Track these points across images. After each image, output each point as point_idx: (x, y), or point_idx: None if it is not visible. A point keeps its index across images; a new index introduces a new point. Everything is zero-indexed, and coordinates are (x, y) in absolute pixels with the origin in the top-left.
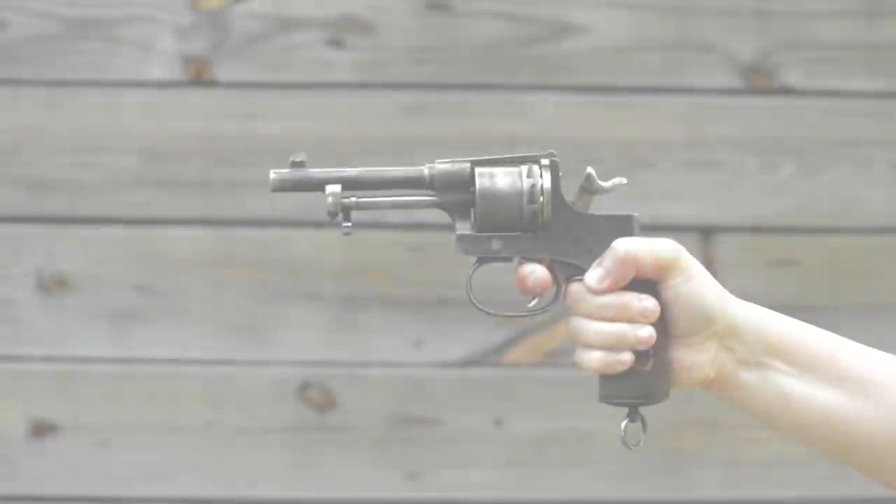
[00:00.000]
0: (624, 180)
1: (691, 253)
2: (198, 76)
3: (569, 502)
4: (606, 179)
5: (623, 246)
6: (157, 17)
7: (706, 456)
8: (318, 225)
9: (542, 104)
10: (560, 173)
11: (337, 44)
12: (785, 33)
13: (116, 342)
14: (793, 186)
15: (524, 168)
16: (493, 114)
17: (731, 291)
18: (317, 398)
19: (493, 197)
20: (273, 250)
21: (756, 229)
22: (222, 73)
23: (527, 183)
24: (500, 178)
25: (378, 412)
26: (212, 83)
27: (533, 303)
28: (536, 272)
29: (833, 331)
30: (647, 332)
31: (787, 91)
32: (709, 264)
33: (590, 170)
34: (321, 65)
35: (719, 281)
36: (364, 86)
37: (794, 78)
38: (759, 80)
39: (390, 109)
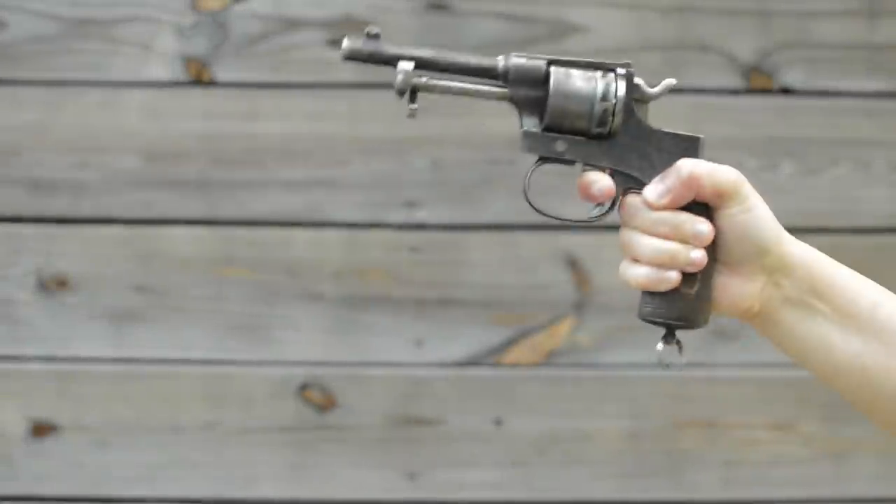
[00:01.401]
0: (673, 81)
1: None
2: (198, 76)
3: (569, 502)
4: (675, 82)
5: (688, 166)
6: (157, 17)
7: (706, 456)
8: (318, 225)
9: None
10: (636, 83)
11: (337, 44)
12: (785, 33)
13: (116, 342)
14: (793, 186)
15: (599, 73)
16: (493, 114)
17: None
18: (317, 398)
19: (566, 95)
20: (273, 250)
21: None
22: (222, 73)
23: (601, 86)
24: (575, 78)
25: (378, 412)
26: (212, 83)
27: (595, 210)
28: (601, 181)
29: None
30: (698, 255)
31: (787, 91)
32: None
33: (636, 80)
34: (321, 65)
35: None
36: (364, 86)
37: (793, 78)
38: (758, 80)
39: (390, 109)
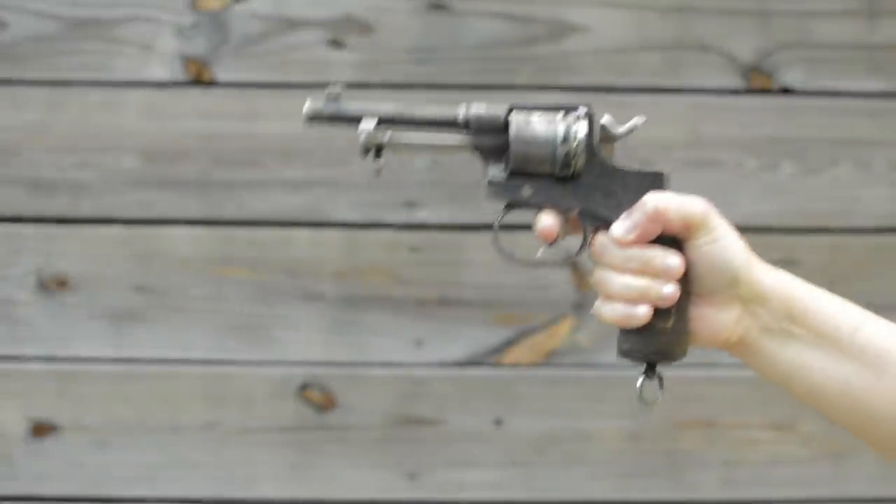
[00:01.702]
0: (640, 120)
1: None
2: (198, 76)
3: (569, 502)
4: (644, 120)
5: (653, 200)
6: (157, 17)
7: (706, 456)
8: (318, 225)
9: None
10: (596, 124)
11: (337, 44)
12: (785, 33)
13: (116, 342)
14: (793, 186)
15: (560, 116)
16: None
17: None
18: (317, 398)
19: (528, 139)
20: (273, 250)
21: (756, 229)
22: (222, 73)
23: (561, 130)
24: (535, 123)
25: (378, 412)
26: (212, 83)
27: (540, 251)
28: (544, 220)
29: None
30: (670, 289)
31: (787, 91)
32: None
33: (604, 120)
34: (321, 65)
35: None
36: (364, 86)
37: (793, 78)
38: (758, 80)
39: None
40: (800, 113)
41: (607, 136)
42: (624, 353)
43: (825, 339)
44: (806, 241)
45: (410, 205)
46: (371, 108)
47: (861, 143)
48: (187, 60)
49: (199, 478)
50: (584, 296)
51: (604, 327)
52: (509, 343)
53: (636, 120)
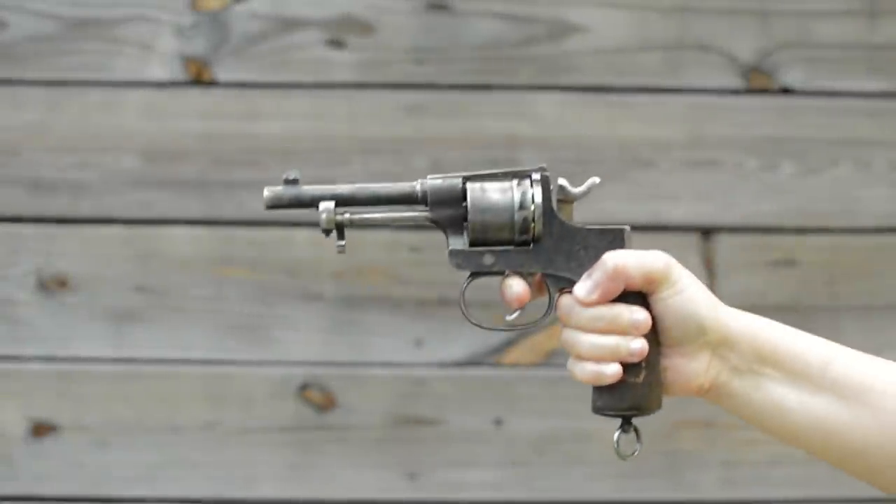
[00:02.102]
0: (597, 180)
1: (691, 253)
2: (198, 76)
3: (569, 502)
4: (606, 184)
5: (612, 259)
6: (157, 17)
7: (706, 456)
8: (318, 225)
9: (542, 104)
10: (551, 187)
11: (337, 44)
12: (785, 33)
13: (116, 342)
14: (793, 186)
15: (515, 182)
16: (493, 114)
17: (731, 292)
18: (317, 398)
19: (485, 209)
20: (273, 250)
21: (756, 229)
22: (222, 73)
23: (517, 196)
24: (491, 192)
25: (378, 412)
26: (212, 83)
27: (513, 316)
28: (513, 287)
29: (833, 331)
30: (638, 345)
31: (787, 91)
32: (709, 264)
33: (560, 182)
34: (321, 65)
35: (720, 281)
36: (364, 86)
37: (793, 78)
38: (758, 80)
39: (390, 109)
40: (800, 113)
41: (566, 197)
42: (598, 410)
43: (796, 376)
44: (806, 241)
45: None
46: (328, 191)
47: (861, 143)
48: (187, 60)
49: (199, 478)
50: None
51: None
52: (509, 343)
53: (592, 181)
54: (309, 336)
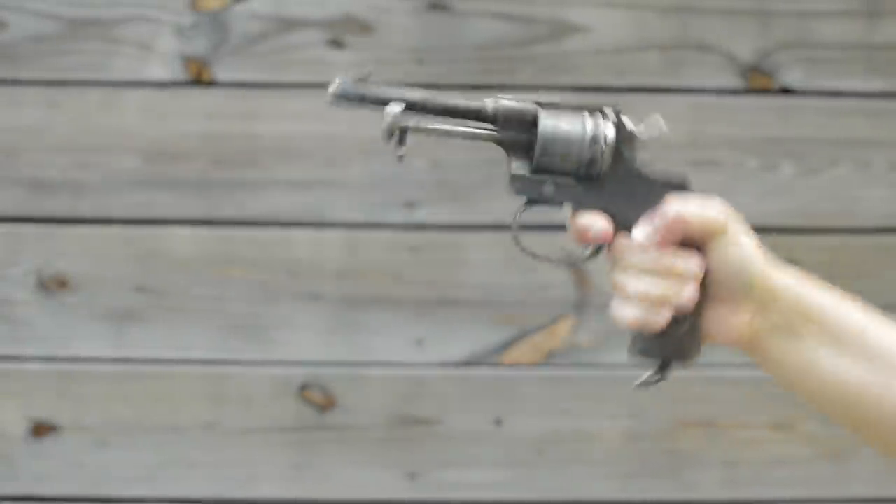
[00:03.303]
0: (662, 121)
1: None
2: (198, 76)
3: (569, 502)
4: (662, 121)
5: (674, 206)
6: (157, 17)
7: (706, 456)
8: (318, 225)
9: None
10: (625, 125)
11: (337, 44)
12: (785, 33)
13: (116, 342)
14: (793, 186)
15: (588, 115)
16: None
17: None
18: (317, 398)
19: (555, 138)
20: (273, 250)
21: (756, 229)
22: (222, 73)
23: (590, 129)
24: (564, 122)
25: (378, 412)
26: (212, 83)
27: (588, 252)
28: (597, 224)
29: None
30: (689, 293)
31: (787, 91)
32: None
33: (628, 122)
34: (321, 65)
35: None
36: None
37: (793, 78)
38: (758, 80)
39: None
40: (800, 113)
41: (630, 139)
42: (639, 353)
43: (834, 337)
44: (806, 241)
45: (410, 205)
46: (399, 93)
47: (861, 143)
48: (187, 60)
49: (199, 478)
50: (584, 296)
51: (604, 327)
52: (509, 343)
53: (655, 118)
54: (309, 336)
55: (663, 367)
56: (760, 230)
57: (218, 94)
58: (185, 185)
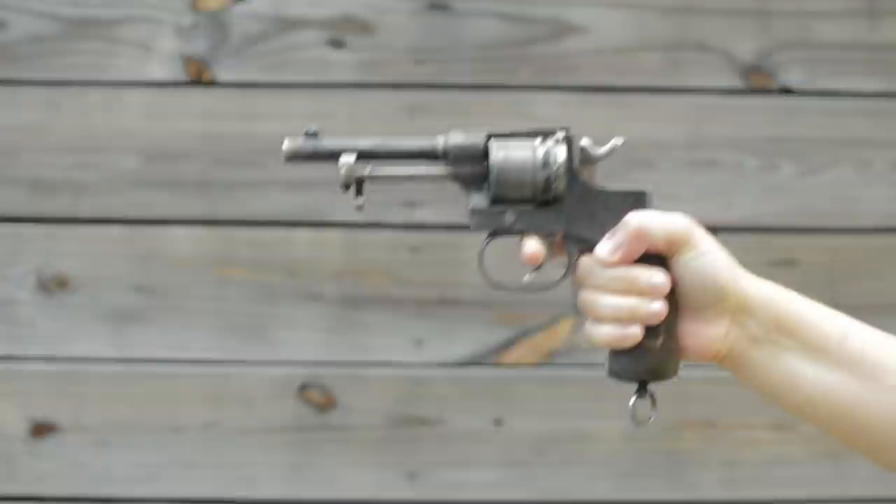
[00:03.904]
0: (619, 141)
1: None
2: (198, 76)
3: (569, 502)
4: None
5: (635, 219)
6: (157, 17)
7: (706, 456)
8: (318, 225)
9: (542, 104)
10: (576, 146)
11: (337, 44)
12: (785, 33)
13: (116, 342)
14: (792, 186)
15: (538, 141)
16: (493, 114)
17: None
18: (317, 398)
19: (507, 167)
20: (273, 250)
21: (756, 229)
22: (222, 73)
23: (540, 154)
24: (514, 150)
25: (378, 412)
26: (212, 83)
27: (528, 276)
28: (528, 245)
29: None
30: (657, 306)
31: (787, 91)
32: None
33: (584, 142)
34: (321, 65)
35: None
36: (364, 86)
37: (793, 78)
38: (758, 80)
39: (390, 109)
40: (800, 113)
41: (588, 158)
42: (614, 374)
43: (814, 348)
44: (806, 241)
45: (410, 205)
46: (350, 143)
47: (861, 143)
48: (187, 60)
49: (199, 478)
50: None
51: None
52: (509, 343)
53: (615, 141)
54: (309, 336)
55: (641, 387)
56: (760, 230)
57: (218, 94)
58: (185, 184)
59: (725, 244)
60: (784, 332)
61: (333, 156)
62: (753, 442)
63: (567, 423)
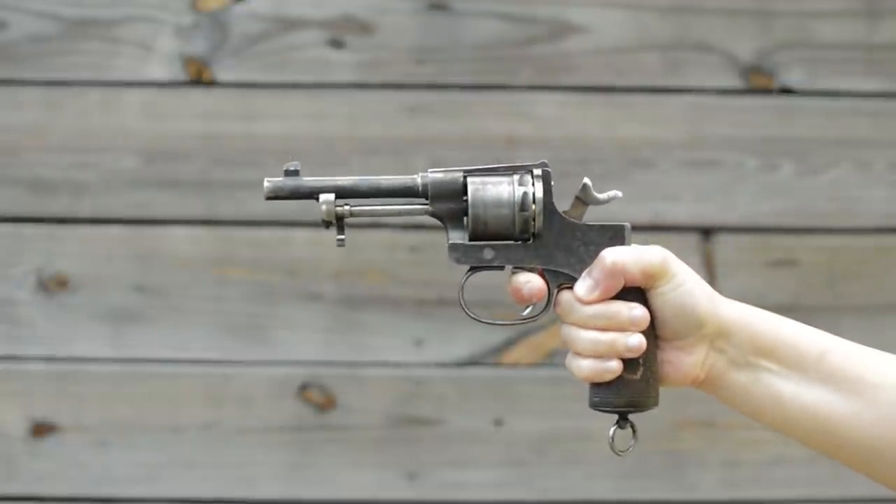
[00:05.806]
0: (619, 194)
1: (691, 253)
2: (198, 76)
3: (569, 502)
4: (605, 184)
5: (611, 256)
6: (157, 17)
7: (706, 456)
8: (318, 225)
9: (542, 104)
10: (552, 183)
11: (337, 44)
12: (785, 33)
13: (116, 342)
14: (792, 186)
15: (516, 177)
16: (493, 114)
17: (731, 292)
18: (317, 398)
19: (485, 205)
20: (273, 250)
21: (756, 229)
22: (222, 73)
23: (518, 191)
24: (492, 187)
25: (378, 412)
26: (212, 83)
27: (527, 311)
28: (532, 282)
29: (832, 331)
30: (636, 341)
31: (787, 91)
32: (709, 264)
33: (586, 181)
34: (321, 65)
35: (720, 280)
36: (364, 86)
37: (793, 78)
38: (758, 80)
39: (390, 109)
40: (800, 113)
41: (586, 199)
42: (595, 406)
43: (793, 367)
44: (806, 241)
45: None
46: (329, 182)
47: (861, 144)
48: (187, 60)
49: (199, 478)
50: None
51: None
52: (509, 343)
53: (615, 193)
54: (309, 336)
55: (621, 418)
56: (760, 230)
57: (218, 94)
58: (185, 184)
59: (725, 244)
60: (761, 353)
61: (313, 194)
62: (753, 442)
63: (567, 423)
